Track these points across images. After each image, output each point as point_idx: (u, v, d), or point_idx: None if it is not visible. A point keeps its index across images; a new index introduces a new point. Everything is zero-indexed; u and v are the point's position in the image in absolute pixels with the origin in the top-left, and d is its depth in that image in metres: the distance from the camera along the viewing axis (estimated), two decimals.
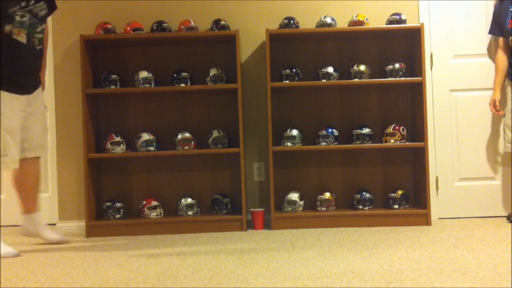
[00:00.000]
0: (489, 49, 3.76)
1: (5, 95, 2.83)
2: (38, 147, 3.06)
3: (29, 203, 3.10)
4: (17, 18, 2.85)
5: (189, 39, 3.66)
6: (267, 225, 3.52)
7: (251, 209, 3.53)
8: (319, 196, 3.58)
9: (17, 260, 2.69)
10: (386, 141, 3.56)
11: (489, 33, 3.65)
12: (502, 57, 3.56)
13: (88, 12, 3.75)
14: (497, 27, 3.56)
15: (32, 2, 2.93)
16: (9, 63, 2.86)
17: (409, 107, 3.75)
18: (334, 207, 3.59)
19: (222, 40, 3.68)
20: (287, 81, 3.59)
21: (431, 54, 3.76)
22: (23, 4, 2.88)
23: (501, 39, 3.57)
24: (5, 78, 2.84)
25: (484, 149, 3.75)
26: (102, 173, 3.72)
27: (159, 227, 3.44)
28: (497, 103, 3.52)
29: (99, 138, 3.65)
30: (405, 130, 3.57)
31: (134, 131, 3.66)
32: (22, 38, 2.89)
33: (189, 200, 3.57)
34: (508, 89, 3.53)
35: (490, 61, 3.74)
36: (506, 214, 3.62)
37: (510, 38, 3.47)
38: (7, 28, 2.83)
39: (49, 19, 3.83)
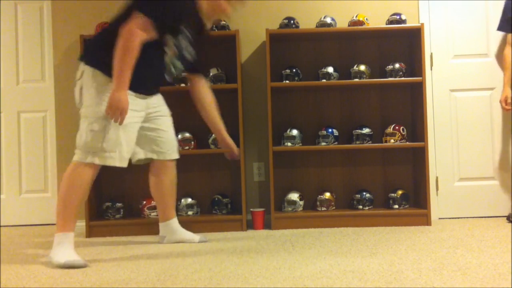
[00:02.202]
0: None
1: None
2: (173, 151, 2.95)
3: (166, 210, 3.03)
4: (176, 40, 2.71)
5: None
6: (267, 225, 3.52)
7: (251, 209, 3.53)
8: (319, 196, 3.58)
9: (17, 260, 2.69)
10: (386, 141, 3.56)
11: (498, 29, 3.63)
12: (510, 53, 3.54)
13: (88, 12, 3.75)
14: (507, 24, 3.55)
15: (191, 46, 2.81)
16: (142, 67, 2.60)
17: (409, 107, 3.75)
18: (334, 207, 3.59)
19: (222, 40, 3.68)
20: (287, 81, 3.59)
21: (431, 54, 3.76)
22: (186, 34, 2.74)
23: (509, 36, 3.56)
24: (132, 79, 2.55)
25: (484, 149, 3.75)
26: (102, 173, 3.70)
27: (159, 227, 3.44)
28: (509, 100, 3.49)
29: None
30: (405, 130, 3.57)
31: None
32: (167, 56, 2.74)
33: (189, 200, 3.57)
34: None
35: (490, 61, 3.74)
36: (506, 214, 3.62)
37: None
38: (168, 39, 2.66)
39: (49, 19, 3.87)
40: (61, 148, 3.74)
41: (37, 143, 4.01)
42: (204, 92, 3.02)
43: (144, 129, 2.82)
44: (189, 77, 3.04)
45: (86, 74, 2.62)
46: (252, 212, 3.50)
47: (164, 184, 2.99)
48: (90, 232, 3.43)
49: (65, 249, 2.49)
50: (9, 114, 4.02)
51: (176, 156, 2.98)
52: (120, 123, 2.55)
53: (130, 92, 2.57)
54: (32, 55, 4.00)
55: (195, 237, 3.05)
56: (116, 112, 2.50)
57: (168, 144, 2.93)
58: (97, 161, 2.60)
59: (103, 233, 3.44)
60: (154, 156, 2.90)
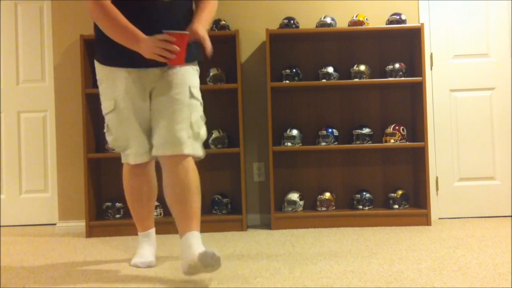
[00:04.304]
0: None
1: (107, 70, 2.19)
2: (166, 144, 2.16)
3: (177, 221, 2.20)
4: None
5: None
6: (267, 225, 3.52)
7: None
8: (319, 196, 3.58)
9: (17, 260, 2.69)
10: (386, 141, 3.56)
11: None
12: None
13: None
14: None
15: None
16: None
17: (409, 107, 3.75)
18: (334, 207, 3.59)
19: (222, 40, 3.68)
20: (287, 81, 3.59)
21: (431, 54, 3.76)
22: None
23: None
24: (108, 44, 2.12)
25: (484, 149, 3.75)
26: (102, 173, 3.72)
27: (159, 227, 3.41)
28: None
29: (99, 138, 3.65)
30: (405, 130, 3.57)
31: None
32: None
33: None
34: None
35: (490, 61, 3.75)
36: (506, 214, 3.62)
37: None
38: None
39: (49, 19, 3.87)
40: (61, 148, 3.74)
41: (37, 143, 4.01)
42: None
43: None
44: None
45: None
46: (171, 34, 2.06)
47: (167, 188, 2.20)
48: (90, 232, 3.43)
49: (138, 249, 2.54)
50: (9, 114, 4.02)
51: (167, 152, 2.16)
52: (174, 52, 2.01)
53: (118, 69, 2.18)
54: (32, 55, 4.01)
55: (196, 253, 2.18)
56: (164, 53, 2.01)
57: (158, 135, 2.19)
58: (125, 160, 2.36)
59: (103, 233, 3.44)
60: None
